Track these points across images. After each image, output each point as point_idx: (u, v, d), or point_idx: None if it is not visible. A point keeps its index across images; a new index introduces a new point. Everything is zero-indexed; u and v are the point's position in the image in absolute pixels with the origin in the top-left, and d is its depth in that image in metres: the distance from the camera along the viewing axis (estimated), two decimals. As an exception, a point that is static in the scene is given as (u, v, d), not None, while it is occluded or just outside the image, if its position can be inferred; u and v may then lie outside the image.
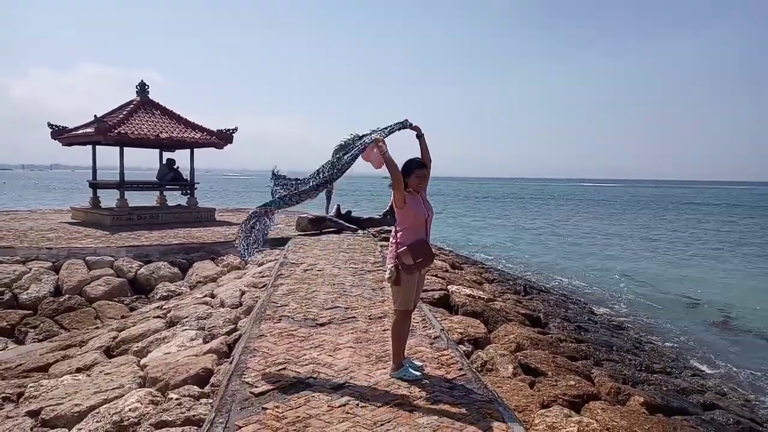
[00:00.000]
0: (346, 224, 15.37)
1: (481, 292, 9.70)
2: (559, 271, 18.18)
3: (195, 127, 17.84)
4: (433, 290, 8.78)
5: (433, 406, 3.91)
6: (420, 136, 4.53)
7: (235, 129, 18.21)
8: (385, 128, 4.62)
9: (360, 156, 4.49)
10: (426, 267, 4.36)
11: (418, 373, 4.42)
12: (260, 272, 9.92)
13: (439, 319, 6.95)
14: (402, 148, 4.53)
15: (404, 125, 4.61)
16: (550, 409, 4.64)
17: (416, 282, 4.40)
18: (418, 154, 4.51)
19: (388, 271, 4.28)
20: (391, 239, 4.38)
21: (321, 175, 4.73)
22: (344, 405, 3.90)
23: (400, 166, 4.29)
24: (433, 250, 4.40)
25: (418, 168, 4.31)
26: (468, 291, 9.25)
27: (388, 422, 3.66)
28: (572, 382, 5.44)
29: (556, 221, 39.60)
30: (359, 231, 15.07)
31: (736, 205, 63.56)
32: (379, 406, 3.89)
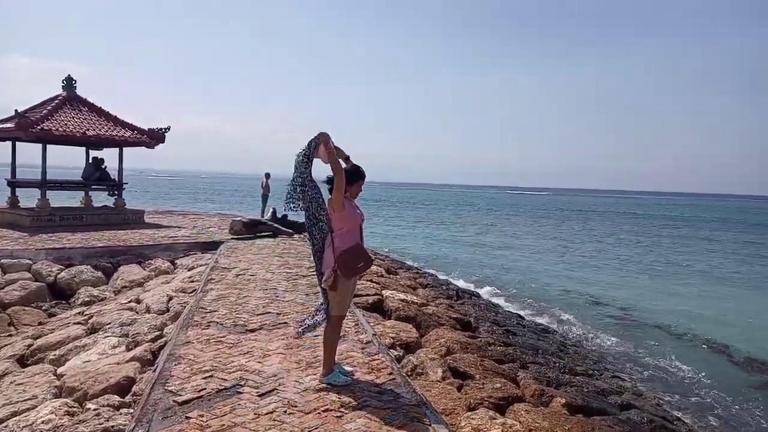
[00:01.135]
0: (282, 228, 15.19)
1: (415, 297, 9.83)
2: (488, 276, 18.65)
3: (125, 125, 17.14)
4: (367, 295, 8.82)
5: (362, 411, 3.93)
6: (347, 158, 4.50)
7: (168, 128, 17.63)
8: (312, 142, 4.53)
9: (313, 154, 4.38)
10: (363, 272, 4.42)
11: (347, 378, 4.44)
12: (190, 277, 9.65)
13: (372, 324, 6.98)
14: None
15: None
16: (476, 411, 4.76)
17: (353, 286, 4.45)
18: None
19: (326, 276, 4.27)
20: (326, 244, 4.35)
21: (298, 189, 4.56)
22: (271, 412, 3.86)
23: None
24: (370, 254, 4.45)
25: (362, 178, 4.42)
26: (402, 296, 9.35)
27: (316, 428, 3.64)
28: (498, 385, 5.60)
29: (479, 229, 40.66)
30: (295, 235, 14.93)
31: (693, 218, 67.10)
32: (307, 413, 3.87)
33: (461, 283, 16.11)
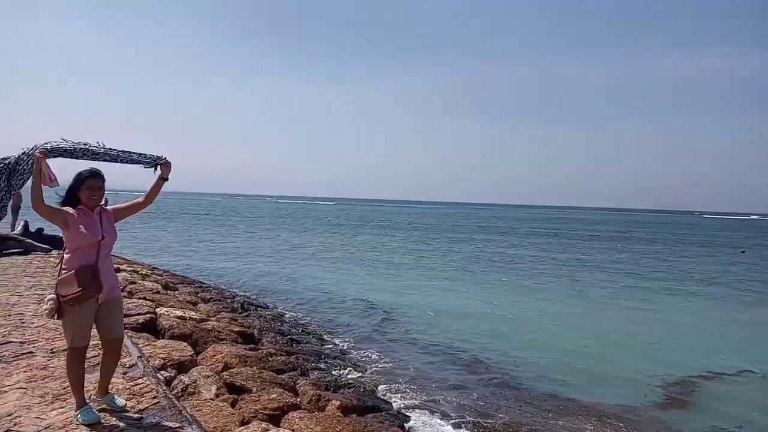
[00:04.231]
0: (37, 244, 13.26)
1: (194, 313, 9.37)
2: (275, 285, 18.62)
3: None
4: (138, 314, 8.16)
5: (116, 443, 3.59)
6: (165, 180, 4.09)
7: None
8: (132, 154, 3.99)
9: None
10: (87, 299, 3.63)
11: (95, 415, 3.87)
12: None
13: (141, 345, 6.46)
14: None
15: (155, 164, 4.06)
16: (249, 425, 4.68)
17: (89, 315, 3.73)
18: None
19: (46, 303, 3.68)
20: (58, 265, 3.81)
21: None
22: (1, 458, 3.31)
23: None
24: (101, 277, 3.68)
25: (90, 178, 3.75)
26: (179, 312, 8.85)
27: (57, 470, 3.22)
28: (274, 395, 5.60)
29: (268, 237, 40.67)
30: (53, 251, 13.15)
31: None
32: (48, 453, 3.41)
33: (251, 295, 15.84)
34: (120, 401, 4.16)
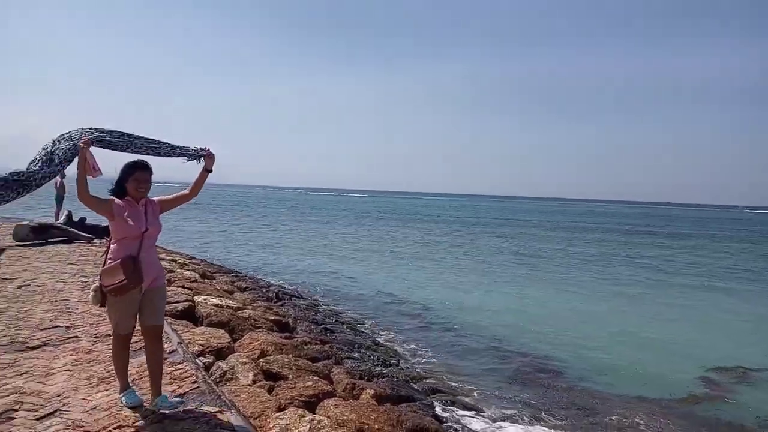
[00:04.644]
0: (80, 233, 13.68)
1: (231, 301, 9.54)
2: (308, 275, 18.78)
3: None
4: (177, 302, 8.35)
5: (158, 425, 3.68)
6: (209, 172, 4.12)
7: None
8: (175, 147, 4.07)
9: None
10: (129, 290, 3.64)
11: (139, 399, 4.00)
12: (-42, 291, 8.22)
13: (180, 332, 6.63)
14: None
15: (198, 156, 4.10)
16: (286, 411, 4.74)
17: (132, 304, 3.77)
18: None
19: (91, 291, 3.80)
20: (104, 255, 3.92)
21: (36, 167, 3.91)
22: (50, 436, 3.44)
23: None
24: (143, 268, 3.71)
25: (138, 170, 3.80)
26: (216, 301, 9.02)
27: (104, 449, 3.33)
28: (309, 383, 5.66)
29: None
30: (95, 240, 13.55)
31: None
32: (95, 432, 3.52)
33: (285, 285, 16.02)
34: (173, 400, 4.04)
